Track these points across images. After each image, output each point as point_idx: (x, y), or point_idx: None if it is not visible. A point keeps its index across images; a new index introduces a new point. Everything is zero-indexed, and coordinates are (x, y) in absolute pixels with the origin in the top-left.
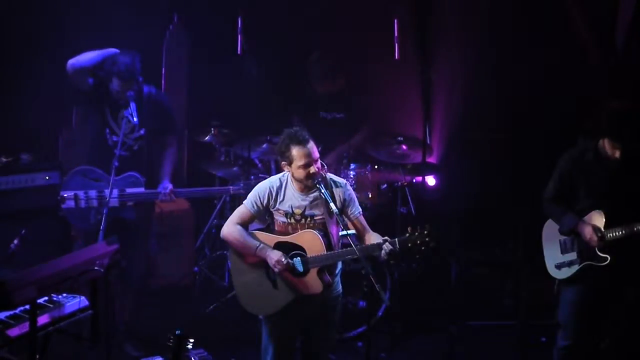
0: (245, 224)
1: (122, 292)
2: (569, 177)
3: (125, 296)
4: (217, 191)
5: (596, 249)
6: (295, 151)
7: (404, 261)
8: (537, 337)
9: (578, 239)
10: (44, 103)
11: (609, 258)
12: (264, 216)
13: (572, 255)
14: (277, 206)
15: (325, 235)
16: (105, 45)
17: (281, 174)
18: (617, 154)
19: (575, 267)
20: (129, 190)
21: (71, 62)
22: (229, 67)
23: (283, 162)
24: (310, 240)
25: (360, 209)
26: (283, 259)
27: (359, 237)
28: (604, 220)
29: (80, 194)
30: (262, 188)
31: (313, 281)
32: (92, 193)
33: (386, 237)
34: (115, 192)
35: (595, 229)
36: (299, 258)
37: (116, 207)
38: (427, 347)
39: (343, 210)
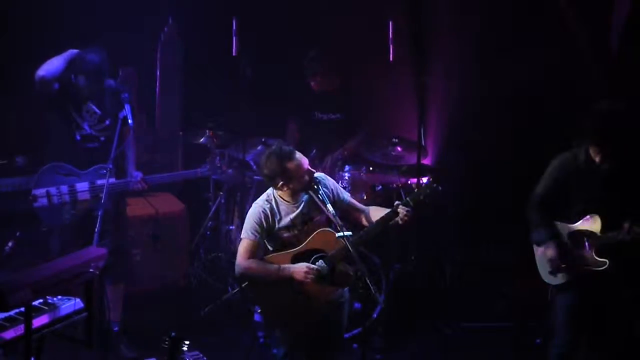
0: (254, 255)
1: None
2: (560, 182)
3: (111, 290)
4: (186, 175)
5: (593, 254)
6: (292, 166)
7: (400, 261)
8: (532, 339)
9: (573, 245)
10: (39, 105)
11: (607, 262)
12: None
13: (568, 260)
14: (277, 226)
15: (335, 228)
16: (103, 45)
17: (264, 195)
18: (599, 158)
19: (571, 272)
20: (99, 181)
21: (41, 73)
22: (223, 69)
23: (280, 182)
24: (326, 239)
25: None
26: (311, 267)
27: (362, 216)
28: (600, 224)
29: (52, 190)
30: (256, 214)
31: (343, 275)
32: (64, 188)
33: (397, 202)
34: (86, 185)
35: (559, 255)
36: (320, 260)
37: (88, 200)
38: (422, 348)
39: (335, 200)
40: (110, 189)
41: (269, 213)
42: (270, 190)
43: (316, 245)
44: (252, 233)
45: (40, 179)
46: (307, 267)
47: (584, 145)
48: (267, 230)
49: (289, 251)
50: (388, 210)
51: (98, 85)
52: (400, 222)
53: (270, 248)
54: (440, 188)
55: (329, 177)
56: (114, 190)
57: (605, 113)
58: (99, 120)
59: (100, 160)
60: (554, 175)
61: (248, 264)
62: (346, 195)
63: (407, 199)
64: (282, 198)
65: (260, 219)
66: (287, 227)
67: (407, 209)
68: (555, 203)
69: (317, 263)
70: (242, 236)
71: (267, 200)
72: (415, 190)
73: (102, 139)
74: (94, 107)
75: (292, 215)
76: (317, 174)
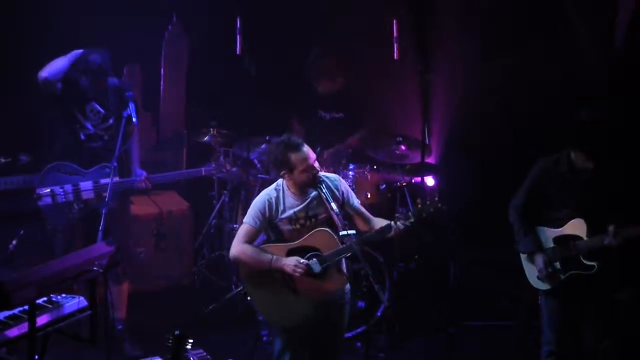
0: (251, 241)
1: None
2: (541, 187)
3: (115, 289)
4: (190, 173)
5: (581, 257)
6: (295, 157)
7: (403, 260)
8: (535, 338)
9: (562, 249)
10: (43, 103)
11: (596, 265)
12: (266, 229)
13: (556, 266)
14: (279, 216)
15: (335, 230)
16: (107, 43)
17: (274, 184)
18: (590, 164)
19: (560, 277)
20: (103, 180)
21: (43, 74)
22: (227, 67)
23: (283, 172)
24: (323, 238)
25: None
26: (301, 262)
27: (366, 225)
28: (586, 228)
29: (57, 189)
30: (261, 202)
31: (335, 277)
32: (68, 187)
33: (398, 214)
34: (90, 184)
35: (546, 263)
36: (314, 259)
37: (92, 199)
38: (425, 347)
39: (344, 204)
40: (114, 187)
41: (273, 202)
42: (280, 180)
43: (313, 243)
44: (253, 220)
45: (44, 178)
46: (297, 261)
47: (565, 150)
48: (269, 219)
49: (285, 244)
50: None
51: (101, 85)
52: (394, 233)
53: (272, 238)
54: (445, 208)
55: (343, 180)
56: (119, 189)
57: (589, 119)
58: (103, 119)
59: (104, 159)
60: (535, 181)
61: (243, 248)
62: (356, 202)
63: (409, 213)
64: (289, 190)
65: (264, 207)
66: (290, 220)
67: (406, 223)
68: (537, 208)
69: (310, 261)
70: (244, 220)
71: (275, 189)
72: (419, 206)
73: (106, 137)
74: (97, 106)
75: (296, 209)
76: (330, 175)
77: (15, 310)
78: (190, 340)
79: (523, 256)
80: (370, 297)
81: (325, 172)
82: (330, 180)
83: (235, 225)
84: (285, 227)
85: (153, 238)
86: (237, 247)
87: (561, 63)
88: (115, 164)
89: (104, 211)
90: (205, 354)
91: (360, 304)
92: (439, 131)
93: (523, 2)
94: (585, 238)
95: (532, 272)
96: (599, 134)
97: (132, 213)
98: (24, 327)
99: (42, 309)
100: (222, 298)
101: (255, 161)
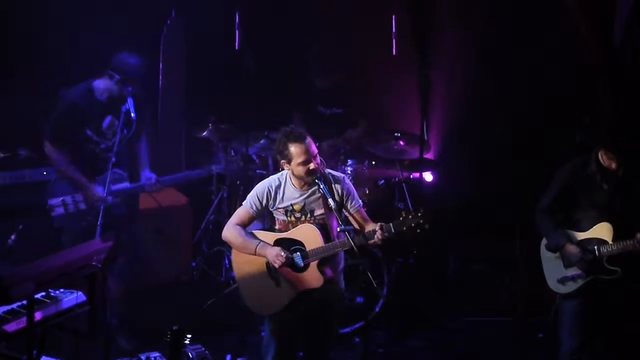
0: (244, 225)
1: (113, 284)
2: (569, 189)
3: (117, 288)
4: (200, 173)
5: (604, 262)
6: (294, 148)
7: (401, 256)
8: (534, 333)
9: (583, 254)
10: (43, 99)
11: (619, 271)
12: (263, 216)
13: (577, 269)
14: (276, 205)
15: (324, 229)
16: (104, 41)
17: (280, 173)
18: (614, 165)
19: (581, 281)
20: (114, 187)
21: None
22: (226, 63)
23: (282, 161)
24: (308, 234)
25: (361, 202)
26: (282, 253)
27: (360, 229)
28: (612, 232)
29: (68, 199)
30: (261, 188)
31: (313, 275)
32: (78, 196)
33: (381, 223)
34: (101, 190)
35: (583, 249)
36: (298, 253)
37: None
38: (424, 342)
39: (343, 204)
40: (125, 192)
41: (272, 191)
42: (286, 170)
43: (298, 236)
44: (250, 204)
45: (54, 187)
46: (279, 251)
47: (594, 152)
48: (265, 206)
49: (275, 233)
50: None
51: (134, 86)
52: (371, 242)
53: (266, 225)
54: (427, 227)
55: (348, 182)
56: (130, 194)
57: (619, 119)
58: (115, 130)
59: (114, 166)
60: (563, 183)
61: (235, 229)
62: (356, 204)
63: (391, 224)
64: (291, 181)
65: (263, 195)
66: (285, 210)
67: (384, 234)
68: (562, 211)
69: (295, 254)
70: (243, 202)
71: (278, 178)
72: (402, 218)
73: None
74: (114, 119)
75: (294, 201)
76: (337, 174)
77: (14, 305)
78: (189, 336)
79: (545, 258)
80: (368, 292)
81: (326, 169)
82: (334, 179)
83: None
84: (281, 217)
85: (152, 233)
86: (229, 229)
87: (561, 62)
88: (114, 158)
89: (102, 207)
90: (203, 349)
91: (359, 299)
92: (438, 127)
93: (523, 0)
94: (610, 242)
95: (552, 274)
96: (625, 133)
97: None
98: (22, 322)
99: (40, 304)
100: (220, 293)
101: (254, 156)
